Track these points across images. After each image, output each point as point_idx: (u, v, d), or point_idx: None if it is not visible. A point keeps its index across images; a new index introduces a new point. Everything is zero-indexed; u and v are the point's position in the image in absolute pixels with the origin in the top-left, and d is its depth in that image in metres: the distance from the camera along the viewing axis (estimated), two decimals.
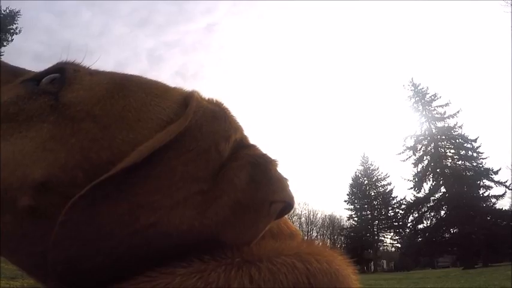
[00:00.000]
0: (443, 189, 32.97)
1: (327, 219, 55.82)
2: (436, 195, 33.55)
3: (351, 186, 50.58)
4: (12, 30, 23.91)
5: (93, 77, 0.46)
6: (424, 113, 35.95)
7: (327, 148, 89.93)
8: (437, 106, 35.72)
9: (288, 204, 0.42)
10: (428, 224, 33.81)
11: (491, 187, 31.14)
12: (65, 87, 0.43)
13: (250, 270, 0.35)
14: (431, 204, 33.65)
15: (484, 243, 26.84)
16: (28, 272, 0.42)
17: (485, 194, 31.07)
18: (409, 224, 37.92)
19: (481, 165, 32.17)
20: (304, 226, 48.60)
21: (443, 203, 32.67)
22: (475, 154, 32.82)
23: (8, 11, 23.39)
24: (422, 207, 34.34)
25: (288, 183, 0.45)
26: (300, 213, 48.68)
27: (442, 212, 33.07)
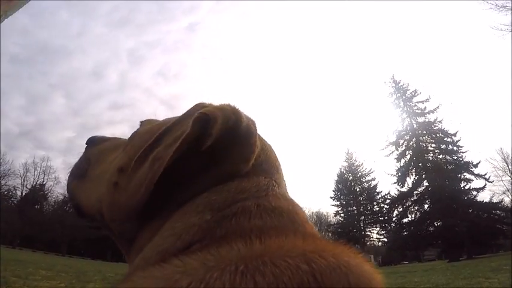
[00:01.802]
0: (425, 183, 33.71)
1: (314, 216, 56.43)
2: (419, 189, 34.26)
3: (337, 182, 51.20)
4: None
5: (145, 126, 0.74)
6: (405, 108, 36.70)
7: (312, 145, 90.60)
8: (417, 102, 36.55)
9: (203, 115, 0.52)
10: (413, 218, 34.45)
11: (472, 180, 32.00)
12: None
13: (255, 275, 0.36)
14: (415, 198, 34.31)
15: (467, 235, 27.55)
16: (117, 237, 0.63)
17: (466, 187, 31.90)
18: (394, 219, 38.47)
19: (461, 159, 33.04)
20: None
21: (426, 196, 33.40)
22: (455, 148, 33.69)
23: None
24: (406, 202, 34.96)
25: (254, 125, 0.58)
26: None
27: (426, 206, 33.79)
